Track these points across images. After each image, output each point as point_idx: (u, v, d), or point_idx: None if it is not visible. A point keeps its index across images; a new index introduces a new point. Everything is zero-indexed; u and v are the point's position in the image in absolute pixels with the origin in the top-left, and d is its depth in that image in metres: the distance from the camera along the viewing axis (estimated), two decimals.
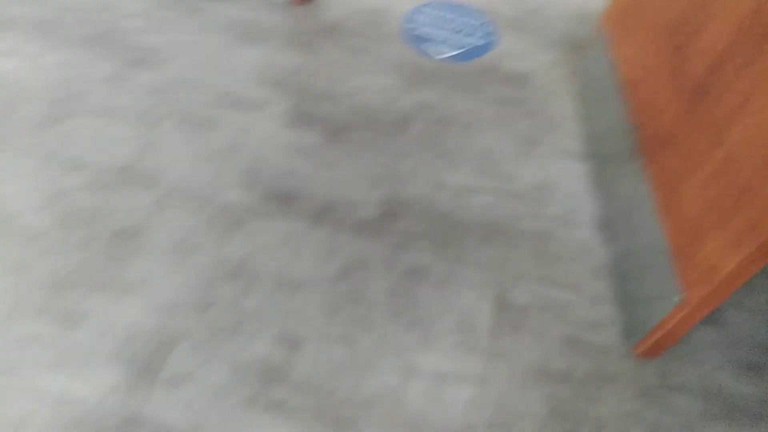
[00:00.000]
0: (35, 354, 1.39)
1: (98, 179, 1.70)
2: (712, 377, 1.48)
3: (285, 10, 2.32)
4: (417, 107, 2.04)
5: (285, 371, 1.41)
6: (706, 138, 1.31)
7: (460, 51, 2.26)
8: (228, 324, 1.48)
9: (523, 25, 2.41)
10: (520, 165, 1.91)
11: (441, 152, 1.92)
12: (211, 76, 2.03)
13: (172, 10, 2.24)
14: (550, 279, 1.64)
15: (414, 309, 1.54)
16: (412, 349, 1.47)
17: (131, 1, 2.25)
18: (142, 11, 2.22)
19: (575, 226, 1.76)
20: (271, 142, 1.87)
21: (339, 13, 2.35)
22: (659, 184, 1.48)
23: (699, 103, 1.36)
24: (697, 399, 1.44)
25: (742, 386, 1.47)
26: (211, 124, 1.89)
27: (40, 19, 2.14)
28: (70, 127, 1.82)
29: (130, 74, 2.00)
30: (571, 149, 1.97)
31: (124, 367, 1.39)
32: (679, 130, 1.42)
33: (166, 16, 2.21)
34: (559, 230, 1.75)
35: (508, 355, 1.48)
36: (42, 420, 1.30)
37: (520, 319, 1.55)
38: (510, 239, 1.71)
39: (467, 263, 1.65)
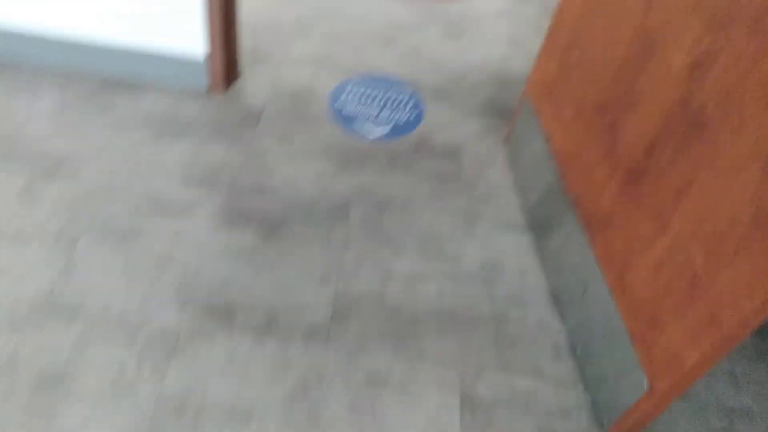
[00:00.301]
0: None
1: (12, 318, 1.52)
2: None
3: (204, 99, 2.23)
4: (353, 192, 1.98)
5: None
6: (649, 221, 1.31)
7: (389, 128, 2.23)
8: None
9: (448, 94, 2.42)
10: (464, 244, 1.87)
11: (384, 238, 1.85)
12: (130, 181, 1.89)
13: (81, 109, 2.10)
14: (512, 366, 1.59)
15: (378, 422, 1.45)
16: None
17: (35, 102, 2.09)
18: (48, 113, 2.06)
19: (529, 305, 1.73)
20: (204, 249, 1.75)
21: (261, 98, 2.27)
22: (607, 263, 1.48)
23: (637, 185, 1.36)
24: None
25: None
26: (136, 235, 1.75)
27: None
28: None
29: (40, 188, 1.83)
30: (513, 221, 1.96)
31: None
32: (620, 210, 1.43)
33: (76, 117, 2.07)
34: (514, 311, 1.71)
35: None
36: None
37: (488, 417, 1.48)
38: (466, 327, 1.66)
39: (427, 361, 1.58)
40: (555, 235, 1.78)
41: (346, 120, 2.24)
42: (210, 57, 2.14)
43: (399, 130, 2.23)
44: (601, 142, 1.52)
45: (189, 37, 2.11)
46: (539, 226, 1.88)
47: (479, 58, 2.61)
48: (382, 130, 2.22)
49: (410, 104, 2.34)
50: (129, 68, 2.22)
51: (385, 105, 2.32)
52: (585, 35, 1.62)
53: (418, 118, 2.29)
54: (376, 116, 2.27)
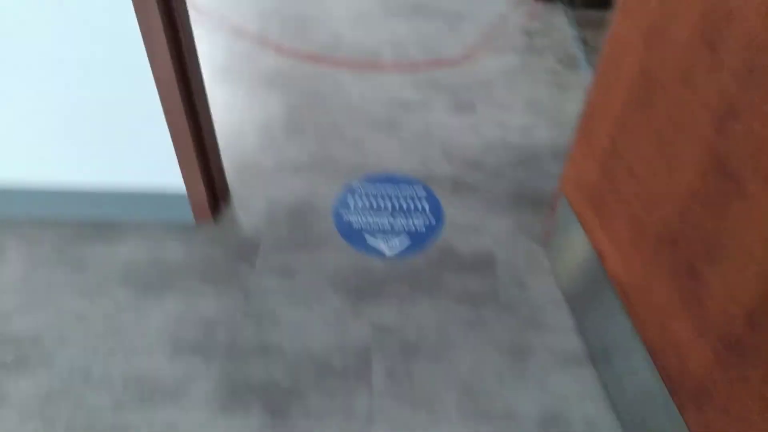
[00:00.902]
0: None
1: None
2: None
3: (191, 233, 1.94)
4: (373, 335, 1.67)
5: None
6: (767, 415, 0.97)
7: (406, 239, 1.91)
8: None
9: (467, 184, 2.10)
10: (516, 392, 1.54)
11: (416, 399, 1.53)
12: (111, 361, 1.61)
13: (52, 269, 1.83)
14: None
15: None
16: None
17: (3, 267, 1.83)
18: (14, 280, 1.80)
19: None
20: None
21: (256, 223, 1.98)
22: None
23: (741, 359, 1.02)
24: None
25: None
26: None
27: None
28: None
29: (8, 385, 1.55)
30: (570, 350, 1.62)
31: None
32: (719, 385, 1.08)
33: (45, 281, 1.80)
34: None
35: None
36: None
37: None
38: None
39: None
40: (625, 373, 1.44)
41: (356, 236, 1.93)
42: (189, 191, 1.86)
43: (418, 240, 1.91)
44: (677, 288, 1.18)
45: (166, 169, 1.84)
46: (603, 357, 1.54)
47: (496, 133, 2.29)
48: (399, 243, 1.90)
49: (427, 205, 2.03)
50: (104, 209, 1.96)
51: (398, 210, 2.01)
52: (631, 143, 1.30)
53: (438, 221, 1.98)
54: (390, 226, 1.96)
